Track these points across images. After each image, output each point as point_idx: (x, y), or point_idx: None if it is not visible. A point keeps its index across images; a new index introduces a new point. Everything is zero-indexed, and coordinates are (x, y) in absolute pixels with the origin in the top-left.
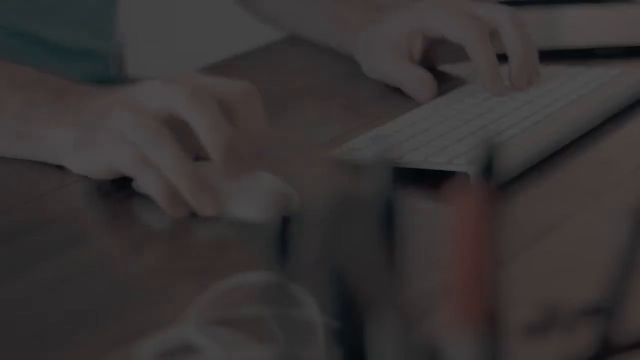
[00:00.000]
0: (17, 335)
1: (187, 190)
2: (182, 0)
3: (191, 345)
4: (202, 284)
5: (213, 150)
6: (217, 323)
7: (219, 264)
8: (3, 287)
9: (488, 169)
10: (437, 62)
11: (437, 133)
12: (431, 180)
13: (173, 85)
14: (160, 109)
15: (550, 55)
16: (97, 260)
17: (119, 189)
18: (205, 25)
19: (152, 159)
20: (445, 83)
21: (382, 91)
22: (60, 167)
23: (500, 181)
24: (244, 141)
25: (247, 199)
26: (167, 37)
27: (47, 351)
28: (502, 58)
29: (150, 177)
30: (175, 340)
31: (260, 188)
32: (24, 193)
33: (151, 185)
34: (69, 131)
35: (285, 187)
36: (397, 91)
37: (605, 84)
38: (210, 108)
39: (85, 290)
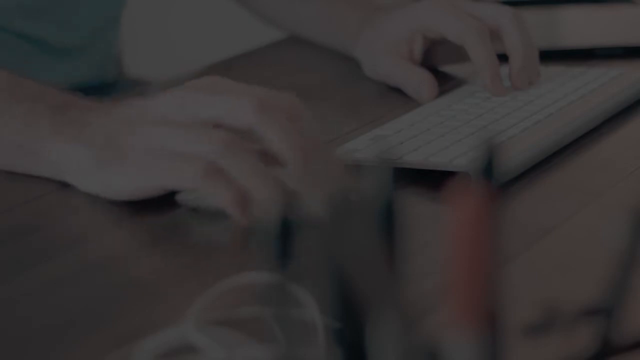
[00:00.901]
0: (17, 335)
1: (266, 196)
2: (182, 0)
3: (191, 345)
4: (202, 284)
5: (293, 163)
6: (217, 323)
7: (219, 264)
8: (3, 287)
9: (488, 169)
10: (437, 62)
11: (437, 133)
12: (431, 180)
13: (229, 95)
14: (210, 119)
15: (550, 55)
16: (97, 260)
17: None
18: (205, 25)
19: (228, 169)
20: (445, 83)
21: (382, 91)
22: None
23: (500, 181)
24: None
25: (317, 199)
26: (166, 37)
27: (48, 351)
28: (503, 58)
29: (223, 188)
30: (175, 340)
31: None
32: (23, 194)
33: (225, 195)
34: (79, 147)
35: (315, 188)
36: (397, 91)
37: (605, 84)
38: (281, 121)
39: (85, 290)
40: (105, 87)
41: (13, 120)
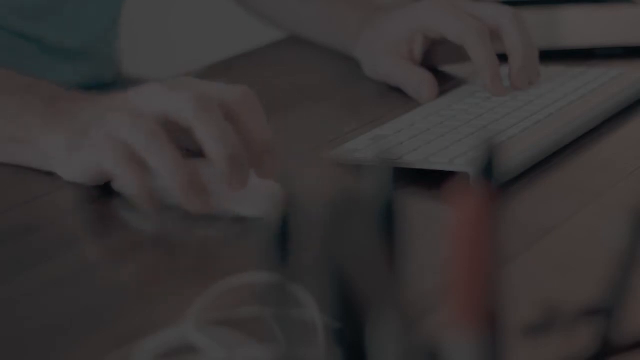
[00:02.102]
0: (17, 336)
1: (179, 187)
2: (182, 0)
3: (191, 345)
4: (202, 284)
5: (219, 160)
6: (217, 323)
7: (219, 264)
8: (3, 287)
9: (488, 169)
10: (437, 62)
11: (437, 133)
12: (431, 180)
13: (175, 91)
14: (157, 112)
15: (550, 55)
16: (97, 260)
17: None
18: (205, 25)
19: (145, 157)
20: (445, 83)
21: (382, 91)
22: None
23: (500, 181)
24: (247, 147)
25: (241, 195)
26: (166, 37)
27: (48, 351)
28: (503, 58)
29: (129, 173)
30: (175, 340)
31: (253, 185)
32: (23, 194)
33: (130, 182)
34: (61, 137)
35: (275, 187)
36: (397, 91)
37: (605, 84)
38: (215, 117)
39: (85, 290)
40: (104, 87)
41: (4, 112)
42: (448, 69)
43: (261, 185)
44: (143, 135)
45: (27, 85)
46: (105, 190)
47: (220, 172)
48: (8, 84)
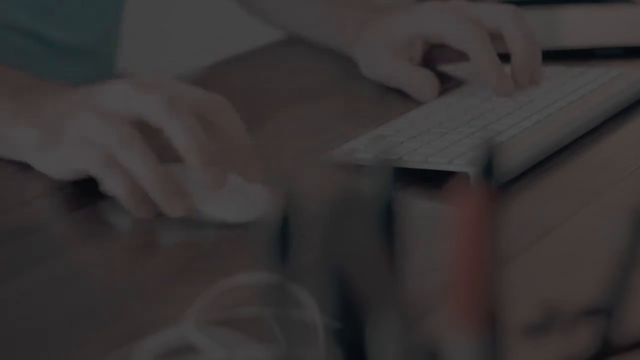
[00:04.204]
0: (17, 336)
1: (156, 190)
2: (182, 0)
3: (191, 345)
4: (202, 284)
5: (188, 154)
6: (217, 323)
7: (219, 264)
8: (3, 287)
9: (488, 169)
10: (437, 62)
11: (437, 133)
12: (431, 180)
13: (146, 91)
14: (130, 113)
15: (550, 55)
16: (97, 260)
17: None
18: (205, 25)
19: (121, 160)
20: (445, 83)
21: (382, 91)
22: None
23: (500, 181)
24: (222, 147)
25: (217, 198)
26: (166, 37)
27: (48, 351)
28: (503, 57)
29: (116, 178)
30: (175, 340)
31: (230, 187)
32: (23, 194)
33: (117, 186)
34: (31, 129)
35: (258, 188)
36: (397, 91)
37: (605, 84)
38: (185, 115)
39: (85, 290)
40: None
41: None
42: (448, 69)
43: (234, 187)
44: (116, 137)
45: None
46: (101, 192)
47: (195, 174)
48: None
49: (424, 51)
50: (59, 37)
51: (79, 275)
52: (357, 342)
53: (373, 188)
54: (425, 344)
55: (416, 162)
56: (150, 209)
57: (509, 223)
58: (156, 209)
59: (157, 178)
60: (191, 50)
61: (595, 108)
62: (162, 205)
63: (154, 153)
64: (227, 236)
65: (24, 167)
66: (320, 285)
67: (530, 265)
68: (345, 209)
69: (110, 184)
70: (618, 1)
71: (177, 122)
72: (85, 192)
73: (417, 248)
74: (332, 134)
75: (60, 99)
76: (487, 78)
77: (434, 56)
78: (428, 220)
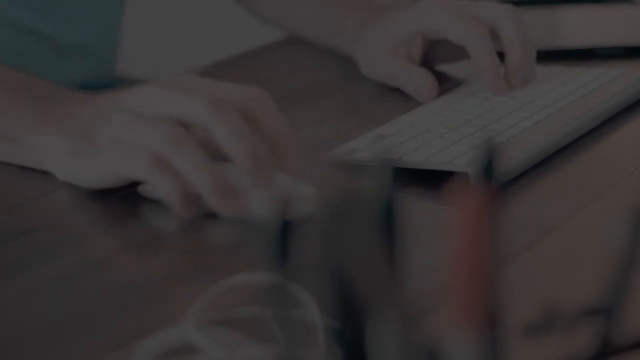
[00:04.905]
0: (17, 336)
1: (212, 191)
2: (181, 0)
3: (191, 345)
4: (202, 284)
5: (238, 157)
6: (217, 323)
7: (219, 264)
8: (3, 287)
9: (488, 169)
10: (437, 61)
11: (437, 133)
12: (431, 180)
13: (186, 92)
14: (170, 115)
15: (550, 55)
16: (96, 260)
17: (114, 190)
18: (205, 25)
19: (173, 162)
20: (445, 83)
21: (382, 91)
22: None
23: (500, 181)
24: (267, 146)
25: (267, 197)
26: (166, 37)
27: (48, 351)
28: (499, 56)
29: (167, 181)
30: (175, 340)
31: (280, 186)
32: (23, 194)
33: (169, 188)
34: (58, 138)
35: (304, 186)
36: (397, 91)
37: (605, 84)
38: (232, 117)
39: (85, 290)
40: (103, 87)
41: None
42: (448, 69)
43: (283, 186)
44: (166, 139)
45: (20, 84)
46: (104, 191)
47: (244, 173)
48: (1, 81)
49: (423, 50)
50: (59, 36)
51: (79, 275)
52: (357, 342)
53: (373, 188)
54: (425, 344)
55: (416, 162)
56: (197, 208)
57: (509, 223)
58: (201, 208)
59: (214, 179)
60: (191, 50)
61: (595, 108)
62: (217, 206)
63: (206, 153)
64: (228, 237)
65: (24, 167)
66: (320, 285)
67: (530, 265)
68: (345, 209)
69: (161, 187)
70: (618, 1)
71: (224, 124)
72: (85, 192)
73: (417, 248)
74: (332, 134)
75: (83, 106)
76: (484, 73)
77: (433, 56)
78: (428, 220)
